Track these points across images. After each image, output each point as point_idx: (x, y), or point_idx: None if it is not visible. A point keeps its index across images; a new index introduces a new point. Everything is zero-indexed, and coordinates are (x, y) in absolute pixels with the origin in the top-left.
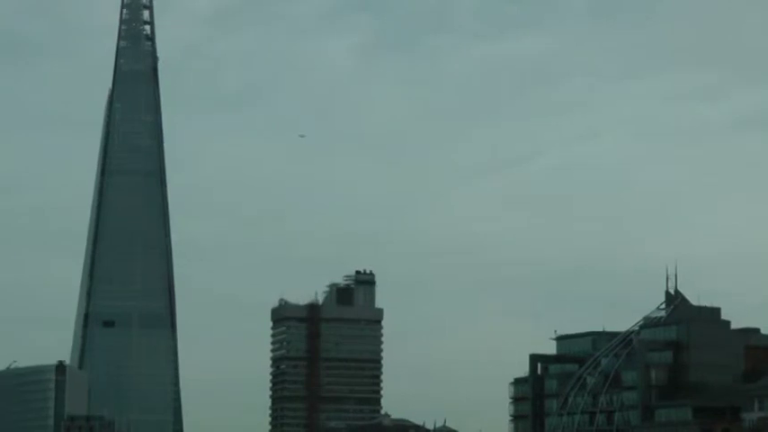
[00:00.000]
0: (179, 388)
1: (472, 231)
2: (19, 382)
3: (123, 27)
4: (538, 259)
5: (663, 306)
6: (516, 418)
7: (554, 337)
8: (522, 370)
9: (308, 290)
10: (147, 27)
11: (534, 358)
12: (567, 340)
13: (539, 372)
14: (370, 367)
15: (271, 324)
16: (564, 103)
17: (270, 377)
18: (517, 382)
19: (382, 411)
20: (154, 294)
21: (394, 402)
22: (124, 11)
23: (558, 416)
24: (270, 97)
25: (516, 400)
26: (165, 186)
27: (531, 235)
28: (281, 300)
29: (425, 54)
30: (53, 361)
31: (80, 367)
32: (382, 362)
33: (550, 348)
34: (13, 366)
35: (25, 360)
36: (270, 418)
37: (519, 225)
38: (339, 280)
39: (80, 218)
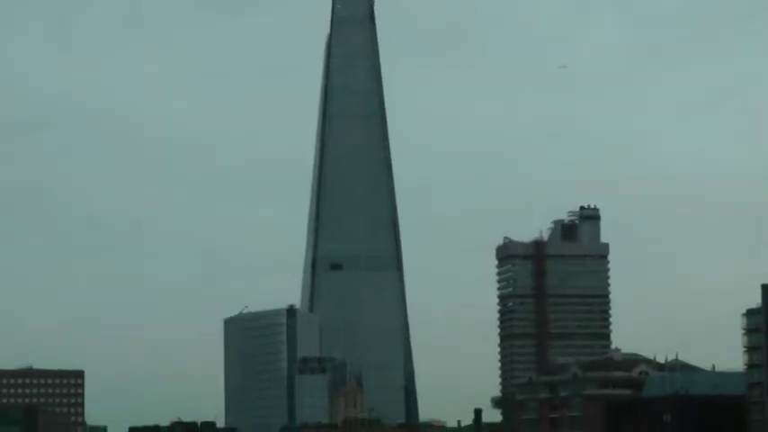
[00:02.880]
0: (408, 328)
1: (697, 164)
2: (252, 326)
3: None
4: None
5: None
6: (750, 349)
7: None
8: (755, 301)
9: (532, 227)
10: None
11: (767, 288)
12: None
13: None
14: (598, 302)
15: (496, 262)
16: None
17: (497, 315)
18: (750, 314)
19: (612, 346)
20: (379, 236)
21: (624, 337)
22: None
23: None
24: (485, 35)
25: (749, 331)
26: (387, 128)
27: (759, 167)
28: (506, 238)
29: None
30: (284, 305)
31: (310, 311)
32: (610, 297)
33: None
34: (245, 311)
35: (257, 305)
36: (499, 356)
37: (746, 158)
38: (563, 216)
39: (304, 163)
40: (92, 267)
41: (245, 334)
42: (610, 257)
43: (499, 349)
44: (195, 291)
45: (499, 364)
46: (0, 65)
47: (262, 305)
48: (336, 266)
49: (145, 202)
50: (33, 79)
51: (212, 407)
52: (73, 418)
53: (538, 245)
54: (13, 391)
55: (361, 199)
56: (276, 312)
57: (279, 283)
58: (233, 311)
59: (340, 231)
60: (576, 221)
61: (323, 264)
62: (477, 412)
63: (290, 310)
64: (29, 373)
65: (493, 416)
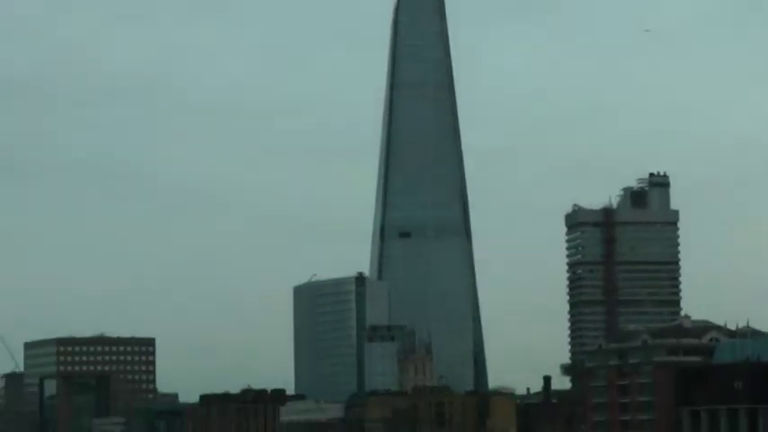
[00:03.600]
0: (477, 295)
1: (766, 130)
2: (321, 294)
3: None
4: None
5: None
6: None
7: None
8: None
9: (601, 194)
10: None
11: None
12: None
13: None
14: (668, 269)
15: (565, 230)
16: None
17: (566, 282)
18: None
19: (682, 313)
20: (448, 204)
21: (694, 304)
22: None
23: None
24: (554, 1)
25: None
26: (455, 96)
27: None
28: (575, 205)
29: None
30: (353, 273)
31: (379, 278)
32: (680, 263)
33: None
34: (314, 279)
35: (326, 273)
36: (568, 323)
37: None
38: (632, 183)
39: (372, 131)
40: (161, 235)
41: (314, 302)
42: (680, 224)
43: (568, 316)
44: (264, 259)
45: (568, 332)
46: (70, 35)
47: (331, 273)
48: (405, 234)
49: (213, 169)
50: (104, 49)
51: (282, 374)
52: (144, 386)
53: (607, 212)
54: (85, 358)
55: (430, 166)
56: (345, 280)
57: (347, 250)
58: (302, 279)
59: (408, 199)
60: (646, 188)
61: (391, 231)
62: (547, 379)
63: (359, 278)
64: (101, 340)
65: (562, 383)
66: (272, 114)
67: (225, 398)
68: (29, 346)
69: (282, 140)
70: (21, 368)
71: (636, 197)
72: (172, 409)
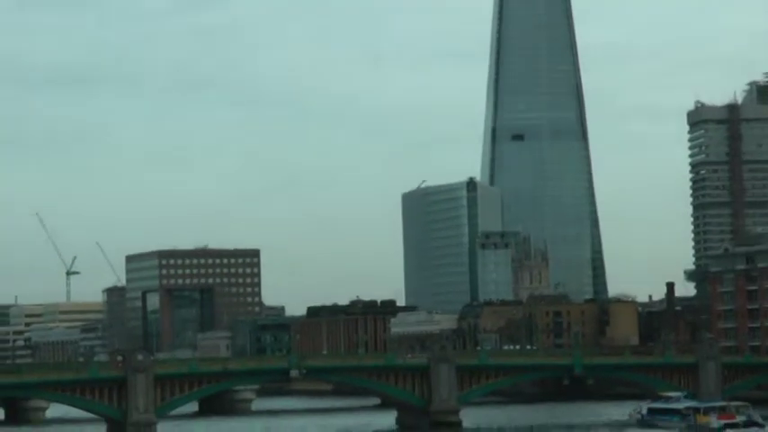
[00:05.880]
0: (594, 199)
1: None
2: (431, 201)
3: None
4: None
5: None
6: None
7: None
8: None
9: (725, 90)
10: None
11: None
12: None
13: None
14: None
15: (687, 128)
16: None
17: (689, 183)
18: None
19: None
20: (562, 104)
21: None
22: None
23: None
24: None
25: None
26: None
27: None
28: (698, 102)
29: None
30: (464, 178)
31: (491, 183)
32: None
33: None
34: (423, 185)
35: (435, 178)
36: (692, 226)
37: None
38: (758, 77)
39: (483, 30)
40: (266, 144)
41: (424, 209)
42: None
43: (692, 219)
44: (372, 165)
45: (692, 235)
46: None
47: (440, 178)
48: (518, 136)
49: (321, 75)
50: None
51: (392, 285)
52: (249, 299)
53: (732, 108)
54: (188, 271)
55: (543, 65)
56: (456, 186)
57: (458, 154)
58: (411, 186)
59: (521, 99)
60: None
61: (503, 134)
62: (670, 286)
63: (471, 183)
64: (204, 252)
65: (686, 289)
66: (381, 18)
67: (333, 310)
68: (130, 258)
69: (391, 44)
70: (122, 281)
71: (762, 92)
72: (278, 322)
